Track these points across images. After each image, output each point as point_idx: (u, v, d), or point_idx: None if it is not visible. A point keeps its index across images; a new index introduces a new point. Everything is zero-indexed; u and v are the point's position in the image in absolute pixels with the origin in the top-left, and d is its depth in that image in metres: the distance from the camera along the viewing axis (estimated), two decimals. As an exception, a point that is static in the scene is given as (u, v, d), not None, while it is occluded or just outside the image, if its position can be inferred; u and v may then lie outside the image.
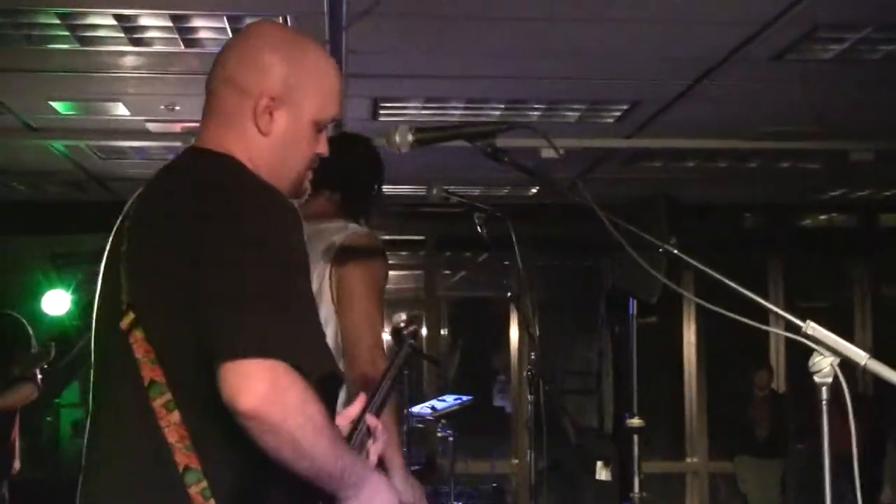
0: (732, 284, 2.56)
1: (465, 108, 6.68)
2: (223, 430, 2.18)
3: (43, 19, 5.11)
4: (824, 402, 2.41)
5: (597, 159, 8.16)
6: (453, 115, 6.71)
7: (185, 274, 2.22)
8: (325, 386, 2.33)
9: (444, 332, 11.80)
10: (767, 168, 8.43)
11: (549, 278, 10.95)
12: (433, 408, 7.11)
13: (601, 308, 5.95)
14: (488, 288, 11.50)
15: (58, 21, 5.12)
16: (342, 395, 2.68)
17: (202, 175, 2.41)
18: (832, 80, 6.04)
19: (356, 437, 2.55)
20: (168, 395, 2.24)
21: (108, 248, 2.45)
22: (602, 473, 7.85)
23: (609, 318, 7.22)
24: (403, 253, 11.43)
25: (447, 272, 12.07)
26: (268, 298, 2.19)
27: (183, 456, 2.21)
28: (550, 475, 9.89)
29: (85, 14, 5.06)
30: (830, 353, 2.35)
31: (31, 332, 6.60)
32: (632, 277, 5.58)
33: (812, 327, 2.35)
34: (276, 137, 2.48)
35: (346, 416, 2.58)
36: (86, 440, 2.42)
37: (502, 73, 6.05)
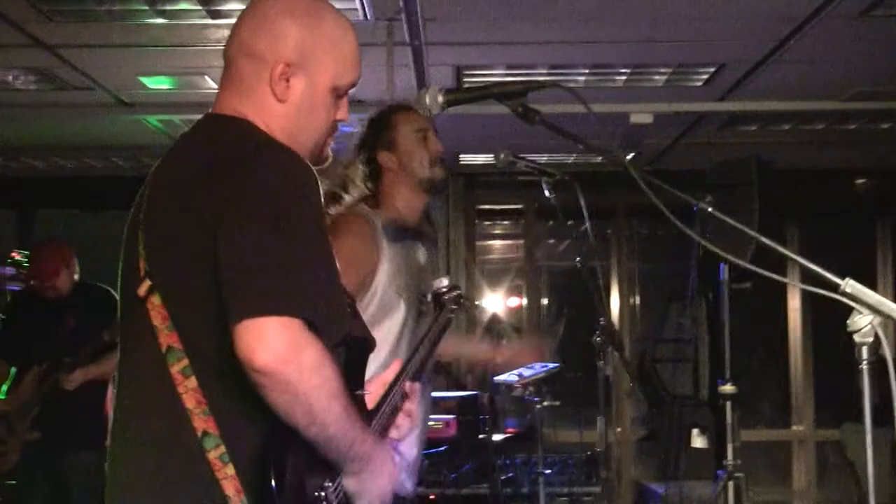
0: (765, 240, 2.51)
1: (549, 74, 6.63)
2: (240, 395, 2.19)
3: (122, -6, 5.19)
4: (865, 363, 2.35)
5: (690, 124, 8.03)
6: (531, 81, 6.65)
7: (200, 238, 2.23)
8: (354, 349, 2.33)
9: (545, 301, 11.74)
10: (868, 130, 8.21)
11: (644, 245, 10.85)
12: (521, 375, 7.07)
13: (692, 274, 5.87)
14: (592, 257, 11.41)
15: (138, -5, 5.19)
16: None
17: (216, 139, 2.42)
18: (924, 36, 5.86)
19: (389, 400, 2.54)
20: (185, 362, 2.25)
21: (129, 216, 2.47)
22: (698, 441, 7.80)
23: (702, 284, 7.11)
24: (505, 222, 11.41)
25: (551, 241, 12.02)
26: (284, 258, 2.19)
27: (201, 421, 2.23)
28: (645, 444, 9.87)
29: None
30: (870, 311, 2.28)
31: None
32: (721, 245, 5.50)
33: (851, 285, 2.28)
34: (293, 104, 2.47)
35: (381, 380, 2.58)
36: (113, 403, 2.45)
37: (586, 37, 5.99)
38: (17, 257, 7.65)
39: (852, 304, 2.29)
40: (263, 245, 2.19)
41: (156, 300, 2.29)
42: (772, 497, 10.64)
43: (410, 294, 4.00)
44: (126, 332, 2.43)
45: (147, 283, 2.31)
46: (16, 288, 7.64)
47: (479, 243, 10.97)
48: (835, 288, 2.29)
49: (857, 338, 2.30)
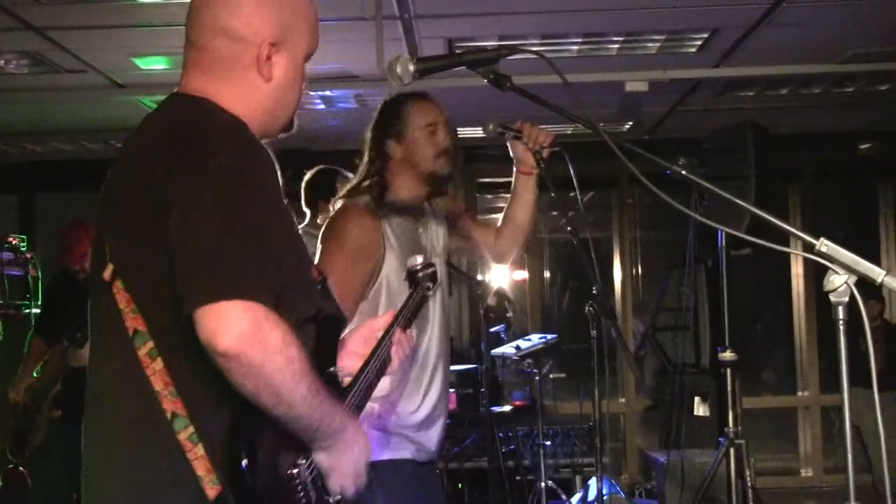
0: (743, 204, 2.49)
1: (542, 44, 6.59)
2: (207, 375, 2.18)
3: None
4: (841, 322, 2.35)
5: (686, 90, 8.00)
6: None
7: (157, 222, 2.21)
8: (325, 326, 2.32)
9: (547, 274, 11.74)
10: (866, 92, 8.17)
11: (647, 214, 10.83)
12: (518, 347, 7.08)
13: (690, 241, 5.85)
14: (591, 228, 11.39)
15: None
16: None
17: (175, 121, 2.40)
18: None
19: (382, 349, 2.58)
20: (151, 344, 2.25)
21: (99, 198, 2.46)
22: (700, 409, 7.79)
23: (700, 252, 7.09)
24: (507, 195, 11.38)
25: (554, 213, 12.00)
26: (242, 240, 2.18)
27: (169, 403, 2.23)
28: (648, 413, 9.88)
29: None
30: (845, 270, 2.27)
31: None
32: (717, 210, 5.49)
33: (825, 244, 2.27)
34: (279, 81, 2.48)
35: (371, 326, 2.59)
36: (87, 385, 2.44)
37: (577, 6, 5.96)
38: (14, 242, 7.65)
39: (827, 263, 2.28)
40: (220, 228, 2.17)
41: (119, 284, 2.29)
42: (779, 463, 10.66)
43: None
44: (95, 315, 2.42)
45: (111, 267, 2.30)
46: (16, 273, 7.65)
47: (481, 217, 10.96)
48: (810, 248, 2.28)
49: (832, 297, 2.29)
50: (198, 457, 2.21)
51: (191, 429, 2.22)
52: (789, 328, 10.72)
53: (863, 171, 10.71)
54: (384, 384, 3.20)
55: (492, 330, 8.02)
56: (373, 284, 3.85)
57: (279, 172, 2.37)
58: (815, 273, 10.38)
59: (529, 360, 6.98)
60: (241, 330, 2.09)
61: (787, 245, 2.54)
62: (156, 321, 2.25)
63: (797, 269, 10.51)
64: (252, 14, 2.44)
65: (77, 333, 6.33)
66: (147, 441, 2.26)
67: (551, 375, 8.30)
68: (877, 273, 2.25)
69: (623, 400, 10.22)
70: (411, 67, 2.63)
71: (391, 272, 3.88)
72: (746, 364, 5.76)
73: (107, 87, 7.33)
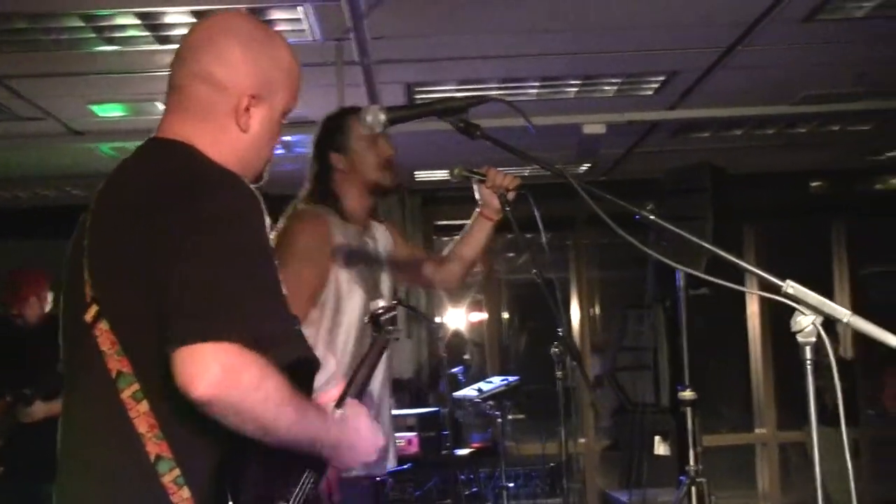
0: (709, 247, 2.53)
1: (501, 88, 6.65)
2: (193, 417, 2.18)
3: (67, 22, 5.15)
4: (808, 363, 2.38)
5: (643, 132, 8.08)
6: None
7: (146, 263, 2.23)
8: (300, 371, 2.33)
9: (505, 315, 11.77)
10: (818, 132, 8.29)
11: (604, 255, 10.89)
12: (480, 390, 7.09)
13: (650, 281, 5.91)
14: (548, 269, 11.42)
15: (83, 24, 5.16)
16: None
17: (160, 165, 2.41)
18: (867, 38, 5.92)
19: None
20: (136, 386, 2.25)
21: (71, 242, 2.46)
22: (660, 448, 7.82)
23: (659, 292, 7.15)
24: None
25: (510, 254, 12.04)
26: (224, 283, 2.19)
27: (154, 445, 2.23)
28: (609, 453, 9.89)
29: (109, 16, 5.09)
30: (812, 311, 2.31)
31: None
32: (676, 250, 5.53)
33: (791, 286, 2.31)
34: (254, 133, 2.50)
35: (323, 399, 2.59)
36: (59, 434, 2.43)
37: (535, 50, 6.00)
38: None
39: (794, 304, 2.32)
40: (204, 272, 2.19)
41: (103, 325, 2.29)
42: (737, 500, 10.69)
43: (366, 283, 4.11)
44: (72, 359, 2.42)
45: (94, 309, 2.31)
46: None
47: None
48: (777, 290, 2.32)
49: (800, 338, 2.33)
50: (183, 499, 2.21)
51: (176, 471, 2.22)
52: (746, 366, 10.79)
53: (815, 209, 10.84)
54: None
55: (449, 372, 8.03)
56: (323, 290, 3.95)
57: (265, 214, 2.38)
58: (771, 311, 10.47)
59: (491, 403, 6.99)
60: (213, 375, 2.10)
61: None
62: (143, 362, 2.26)
63: (752, 308, 10.59)
64: (236, 64, 2.47)
65: (25, 391, 6.26)
66: (129, 485, 2.25)
67: (510, 416, 8.32)
68: (842, 314, 2.29)
69: (583, 440, 10.24)
70: (382, 117, 2.66)
71: (341, 277, 3.99)
72: (704, 402, 5.78)
73: (64, 135, 7.30)
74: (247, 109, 2.48)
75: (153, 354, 2.22)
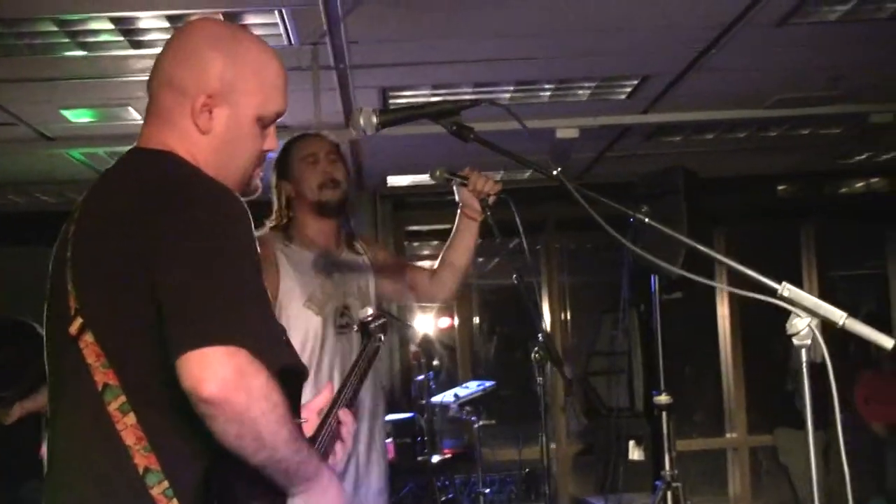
0: (703, 248, 2.53)
1: (475, 92, 6.65)
2: (182, 429, 2.17)
3: (41, 27, 5.11)
4: (804, 365, 2.38)
5: (615, 137, 8.09)
6: (464, 100, 6.67)
7: (134, 273, 2.21)
8: (288, 379, 2.31)
9: (476, 320, 11.77)
10: (789, 136, 8.33)
11: (575, 259, 10.91)
12: (456, 395, 7.09)
13: (624, 286, 5.90)
14: (530, 273, 11.39)
15: (56, 28, 5.12)
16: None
17: (144, 173, 2.40)
18: (840, 42, 5.94)
19: (327, 428, 2.55)
20: (122, 398, 2.23)
21: (53, 254, 2.44)
22: (635, 453, 7.83)
23: (633, 296, 7.15)
24: (434, 243, 11.42)
25: (480, 259, 12.05)
26: (223, 289, 2.18)
27: (142, 458, 2.21)
28: (583, 458, 9.91)
29: (82, 20, 5.05)
30: (807, 314, 2.31)
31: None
32: (652, 252, 5.53)
33: (788, 288, 2.32)
34: (217, 135, 2.46)
35: (313, 407, 2.57)
36: (46, 447, 2.41)
37: (508, 54, 6.00)
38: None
39: (790, 307, 2.31)
40: (202, 278, 2.17)
41: (89, 338, 2.27)
42: (709, 505, 10.75)
43: (324, 309, 4.13)
44: (57, 372, 2.39)
45: (79, 321, 2.28)
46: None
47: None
48: (773, 292, 2.32)
49: (795, 340, 2.33)
50: None
51: (165, 483, 2.20)
52: (716, 370, 10.83)
53: (785, 212, 10.89)
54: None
55: (419, 378, 8.03)
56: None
57: (251, 221, 2.37)
58: (742, 314, 10.52)
59: (468, 408, 6.99)
60: (224, 376, 2.09)
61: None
62: (130, 374, 2.24)
63: (723, 311, 10.63)
64: (194, 65, 2.46)
65: (3, 394, 6.27)
66: (119, 498, 2.23)
67: (482, 422, 8.32)
68: (838, 315, 2.29)
69: (554, 446, 10.25)
70: (374, 119, 2.65)
71: (286, 299, 4.05)
72: (677, 407, 5.80)
73: (35, 140, 7.24)
74: (206, 110, 2.45)
75: (141, 365, 2.21)
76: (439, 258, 4.35)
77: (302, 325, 4.03)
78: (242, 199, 2.46)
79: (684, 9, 5.30)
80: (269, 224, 4.26)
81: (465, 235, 4.22)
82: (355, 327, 4.06)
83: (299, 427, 2.43)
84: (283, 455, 2.21)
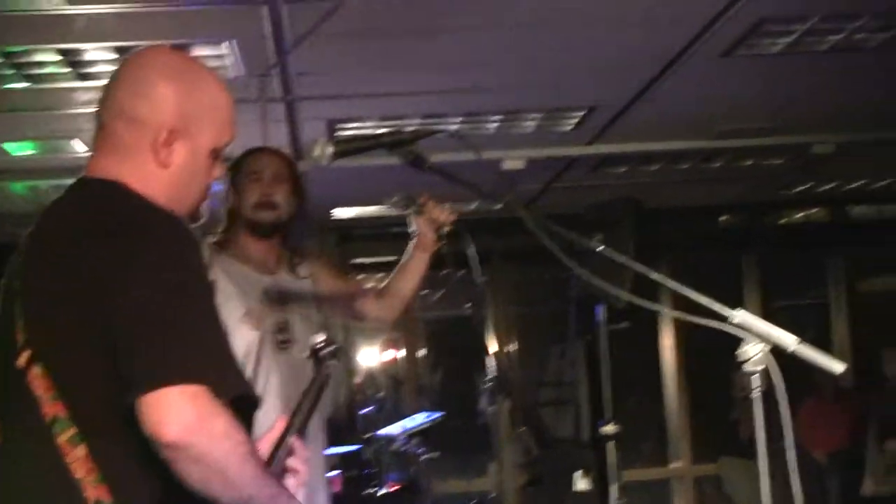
0: (659, 277, 2.55)
1: (422, 123, 6.65)
2: (134, 460, 2.15)
3: (-14, 58, 5.08)
4: (755, 391, 2.40)
5: (562, 168, 8.13)
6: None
7: (83, 305, 2.18)
8: (241, 408, 2.30)
9: (422, 352, 11.75)
10: (732, 167, 8.41)
11: (520, 290, 10.92)
12: (404, 427, 7.08)
13: (571, 317, 5.94)
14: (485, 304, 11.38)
15: (2, 60, 5.09)
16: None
17: (93, 204, 2.37)
18: (784, 74, 6.01)
19: (278, 460, 2.53)
20: (72, 430, 2.20)
21: (2, 285, 2.41)
22: (580, 483, 7.81)
23: (580, 327, 7.19)
24: (379, 275, 11.41)
25: (425, 291, 12.03)
26: (178, 324, 2.16)
27: (93, 489, 2.17)
28: (529, 489, 9.90)
29: (29, 52, 5.02)
30: (759, 339, 2.33)
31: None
32: (598, 283, 5.56)
33: (741, 315, 2.33)
34: (176, 169, 2.44)
35: (267, 439, 2.55)
36: None
37: (456, 86, 6.01)
38: None
39: (742, 334, 2.34)
40: (155, 312, 2.15)
41: (37, 370, 2.24)
42: (655, 535, 10.77)
43: (263, 322, 4.11)
44: (5, 404, 2.36)
45: (27, 353, 2.26)
46: None
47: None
48: (724, 319, 2.34)
49: (747, 367, 2.35)
50: None
51: None
52: (659, 399, 10.88)
53: (727, 242, 10.98)
54: None
55: (364, 410, 8.00)
56: None
57: (201, 251, 2.35)
58: (686, 343, 10.59)
59: (415, 440, 6.97)
60: (185, 419, 2.06)
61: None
62: (81, 406, 2.21)
63: (667, 341, 10.69)
64: (153, 98, 2.43)
65: None
66: None
67: (428, 455, 8.31)
68: (789, 342, 2.32)
69: (498, 478, 10.24)
70: (329, 150, 2.65)
71: (223, 312, 3.91)
72: (623, 436, 5.84)
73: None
74: (167, 144, 2.43)
75: (92, 397, 2.19)
76: (386, 284, 4.33)
77: (240, 340, 3.97)
78: (192, 223, 2.47)
79: (631, 40, 5.34)
80: (210, 238, 4.21)
81: (416, 265, 4.20)
82: (297, 344, 4.05)
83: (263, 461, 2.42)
84: (251, 492, 2.19)
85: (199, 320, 2.23)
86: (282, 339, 4.14)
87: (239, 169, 4.25)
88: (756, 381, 2.35)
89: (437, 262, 4.16)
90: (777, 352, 2.34)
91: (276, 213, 4.22)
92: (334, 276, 4.55)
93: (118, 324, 2.14)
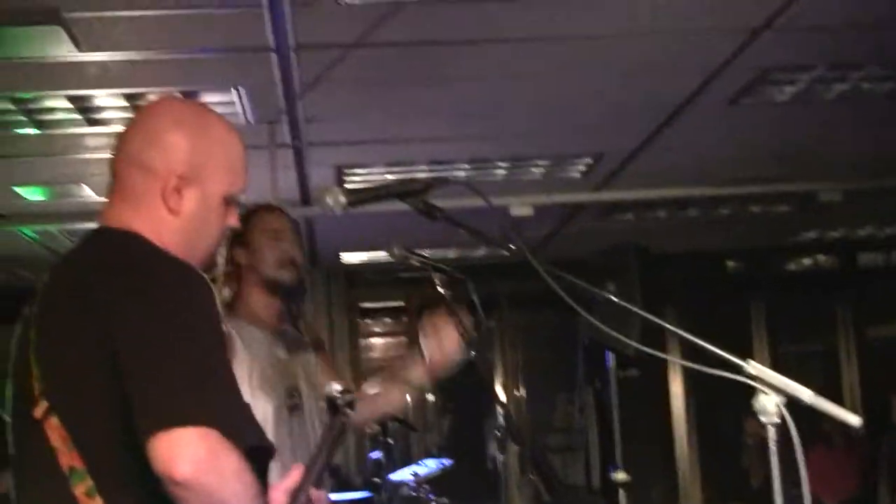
0: (671, 328, 2.53)
1: (430, 170, 6.67)
2: None
3: (-2, 105, 5.11)
4: (773, 444, 2.37)
5: (568, 214, 8.14)
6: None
7: (98, 355, 2.17)
8: (255, 458, 2.29)
9: (430, 397, 11.72)
10: (740, 213, 8.42)
11: (529, 336, 10.91)
12: (415, 474, 7.04)
13: (580, 363, 5.93)
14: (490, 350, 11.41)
15: (13, 106, 5.11)
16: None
17: (107, 254, 2.36)
18: (790, 122, 6.04)
19: None
20: (89, 482, 2.19)
21: (16, 336, 2.40)
22: (593, 530, 7.81)
23: (589, 373, 7.18)
24: (387, 320, 11.41)
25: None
26: (192, 368, 2.15)
27: None
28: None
29: (39, 98, 5.05)
30: (774, 391, 2.31)
31: None
32: (606, 331, 5.54)
33: (754, 366, 2.31)
34: (187, 216, 2.43)
35: (283, 487, 2.54)
36: None
37: (464, 133, 6.04)
38: None
39: (756, 385, 2.31)
40: (169, 358, 2.14)
41: (54, 421, 2.23)
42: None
43: (275, 390, 3.99)
44: (22, 455, 2.35)
45: (44, 405, 2.25)
46: None
47: (362, 341, 10.95)
48: (738, 370, 2.32)
49: (763, 418, 2.32)
50: None
51: None
52: (670, 446, 10.83)
53: (735, 289, 10.97)
54: None
55: (373, 455, 7.96)
56: None
57: (216, 299, 2.34)
58: (695, 392, 10.56)
59: (426, 486, 6.93)
60: (197, 458, 2.05)
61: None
62: (96, 458, 2.20)
63: (676, 389, 10.66)
64: (163, 146, 2.42)
65: None
66: None
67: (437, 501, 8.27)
68: (804, 394, 2.29)
69: (508, 524, 10.21)
70: (342, 199, 2.64)
71: (240, 381, 3.87)
72: (633, 483, 5.80)
73: (-12, 218, 7.20)
74: (176, 191, 2.42)
75: (108, 449, 2.18)
76: (375, 392, 4.12)
77: (257, 410, 3.93)
78: (207, 272, 2.46)
79: (639, 88, 5.36)
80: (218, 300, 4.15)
81: (416, 383, 3.92)
82: (304, 407, 4.00)
83: None
84: None
85: (212, 366, 2.22)
86: (291, 404, 4.08)
87: (252, 226, 4.17)
88: (773, 432, 2.31)
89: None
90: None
91: (298, 272, 4.16)
92: (332, 374, 4.39)
93: (132, 371, 2.14)
